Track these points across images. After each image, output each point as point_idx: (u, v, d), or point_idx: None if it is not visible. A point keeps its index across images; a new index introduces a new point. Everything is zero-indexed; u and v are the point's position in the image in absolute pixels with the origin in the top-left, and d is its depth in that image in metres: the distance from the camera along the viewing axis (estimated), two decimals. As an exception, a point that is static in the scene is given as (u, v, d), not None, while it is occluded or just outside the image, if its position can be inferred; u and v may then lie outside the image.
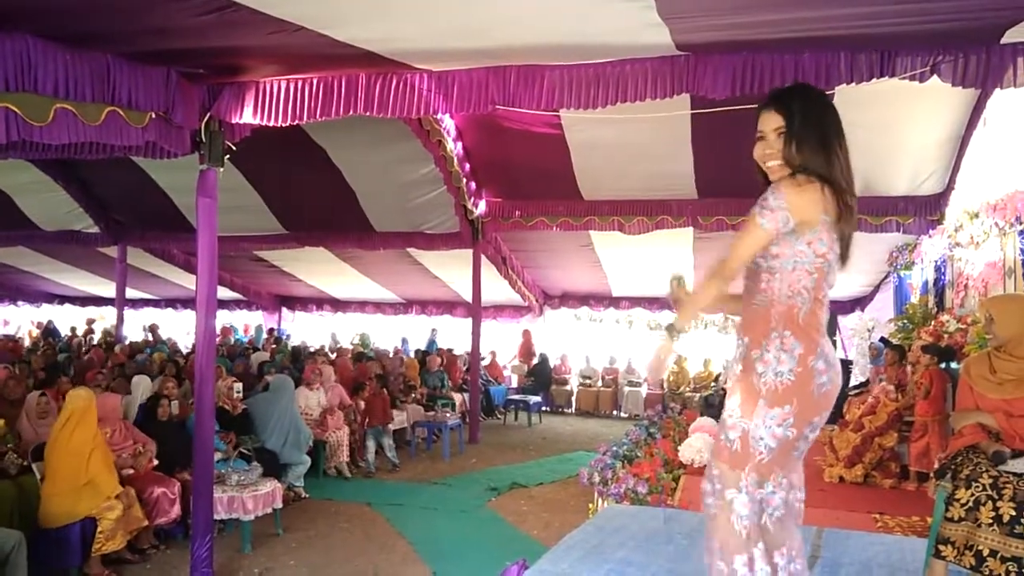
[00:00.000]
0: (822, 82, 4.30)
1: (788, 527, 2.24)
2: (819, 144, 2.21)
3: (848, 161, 2.27)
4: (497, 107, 4.80)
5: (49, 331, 15.61)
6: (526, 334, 15.37)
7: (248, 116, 5.09)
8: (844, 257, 2.32)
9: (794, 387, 2.18)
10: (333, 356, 11.75)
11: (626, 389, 14.33)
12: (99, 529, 4.93)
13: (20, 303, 17.98)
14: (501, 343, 15.60)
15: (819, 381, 2.19)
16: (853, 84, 4.31)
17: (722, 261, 2.26)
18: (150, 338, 13.85)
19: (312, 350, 12.24)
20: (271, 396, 7.47)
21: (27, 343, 14.07)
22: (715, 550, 2.23)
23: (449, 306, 15.67)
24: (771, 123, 2.26)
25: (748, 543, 2.17)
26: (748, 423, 2.20)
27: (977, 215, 7.03)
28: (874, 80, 4.27)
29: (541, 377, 14.69)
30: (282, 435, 7.19)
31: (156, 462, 5.86)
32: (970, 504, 2.85)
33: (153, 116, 4.67)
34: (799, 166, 2.21)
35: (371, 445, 8.68)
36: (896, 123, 7.29)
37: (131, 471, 5.57)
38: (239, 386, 7.46)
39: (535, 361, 15.01)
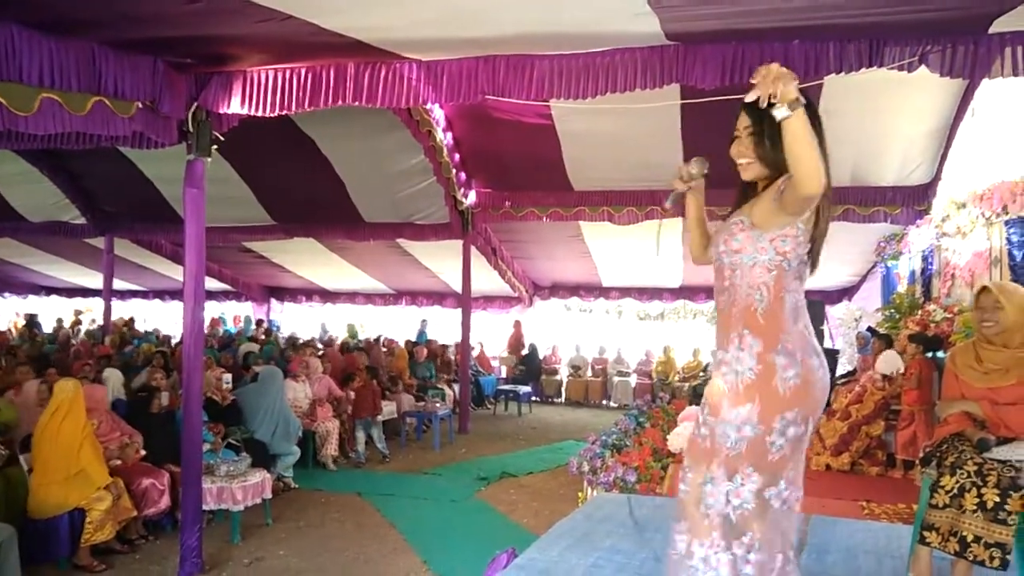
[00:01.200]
0: (811, 72, 4.31)
1: (762, 521, 2.21)
2: None
3: (825, 161, 2.25)
4: (487, 97, 4.79)
5: (31, 323, 15.49)
6: (516, 325, 15.40)
7: (236, 106, 5.06)
8: (815, 257, 2.29)
9: (755, 385, 2.17)
10: (322, 348, 11.71)
11: (615, 379, 14.38)
12: (88, 520, 4.93)
13: (6, 295, 17.85)
14: (491, 334, 15.63)
15: (783, 375, 2.16)
16: (842, 74, 4.33)
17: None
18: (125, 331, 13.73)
19: (300, 342, 12.20)
20: (260, 387, 7.46)
21: (13, 335, 13.95)
22: (679, 534, 2.27)
23: (439, 297, 15.67)
24: (743, 122, 2.27)
25: (708, 530, 2.20)
26: (714, 421, 2.21)
27: (964, 205, 7.07)
28: (863, 70, 4.29)
29: (531, 367, 14.73)
30: (271, 425, 7.19)
31: (144, 453, 5.85)
32: (955, 491, 2.87)
33: (140, 106, 4.64)
34: (772, 163, 2.21)
35: (360, 436, 8.68)
36: (884, 113, 7.33)
37: (118, 462, 5.56)
38: (228, 377, 7.44)
39: (524, 352, 15.04)
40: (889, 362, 6.38)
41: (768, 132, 2.18)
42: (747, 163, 2.27)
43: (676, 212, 2.73)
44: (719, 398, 2.23)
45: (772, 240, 2.21)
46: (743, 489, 2.19)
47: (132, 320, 14.75)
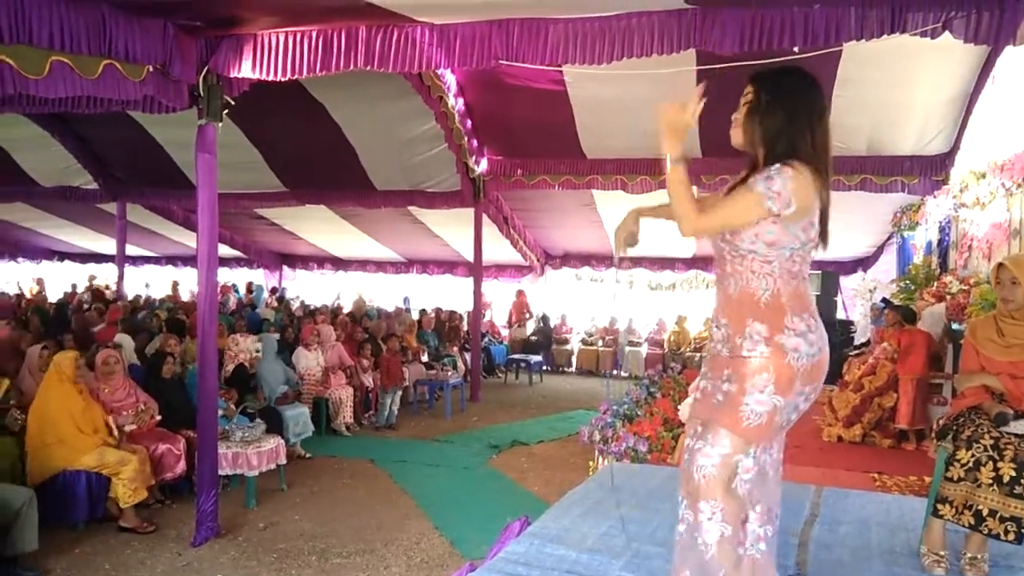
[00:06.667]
0: (831, 38, 4.22)
1: (762, 490, 2.29)
2: (786, 121, 2.21)
3: (825, 145, 2.23)
4: (500, 62, 4.73)
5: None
6: (520, 295, 15.38)
7: (247, 70, 5.01)
8: (824, 237, 2.29)
9: (766, 360, 2.20)
10: (333, 314, 11.76)
11: (627, 349, 14.38)
12: (119, 483, 5.07)
13: (20, 259, 17.94)
14: (503, 302, 15.65)
15: (793, 354, 2.19)
16: (862, 41, 4.23)
17: (707, 210, 2.23)
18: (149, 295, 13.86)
19: (312, 308, 12.25)
20: (264, 356, 7.63)
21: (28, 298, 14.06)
22: (686, 497, 2.29)
23: (450, 266, 15.67)
24: (747, 89, 2.31)
25: (714, 492, 2.21)
26: (741, 397, 2.22)
27: (984, 175, 6.97)
28: (884, 36, 4.19)
29: (543, 336, 14.76)
30: (275, 389, 7.32)
31: (159, 418, 5.90)
32: (970, 464, 2.86)
33: (150, 69, 4.60)
34: (751, 139, 2.27)
35: (388, 402, 8.81)
36: (903, 81, 7.20)
37: (134, 427, 5.62)
38: (259, 345, 7.50)
39: (529, 320, 15.05)
40: (936, 319, 6.37)
41: (762, 108, 2.25)
42: (734, 128, 2.33)
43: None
44: (742, 376, 2.22)
45: (756, 235, 2.21)
46: (748, 461, 2.25)
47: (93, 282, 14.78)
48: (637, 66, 4.85)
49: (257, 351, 7.42)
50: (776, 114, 2.23)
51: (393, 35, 4.78)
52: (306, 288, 17.10)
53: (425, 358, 11.02)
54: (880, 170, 8.64)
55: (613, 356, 14.43)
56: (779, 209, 2.14)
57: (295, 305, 13.87)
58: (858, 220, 10.58)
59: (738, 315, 2.26)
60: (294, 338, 9.01)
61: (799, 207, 2.15)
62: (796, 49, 4.33)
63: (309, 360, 8.35)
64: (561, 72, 7.72)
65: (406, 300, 15.33)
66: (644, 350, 14.21)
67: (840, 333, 9.40)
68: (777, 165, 2.16)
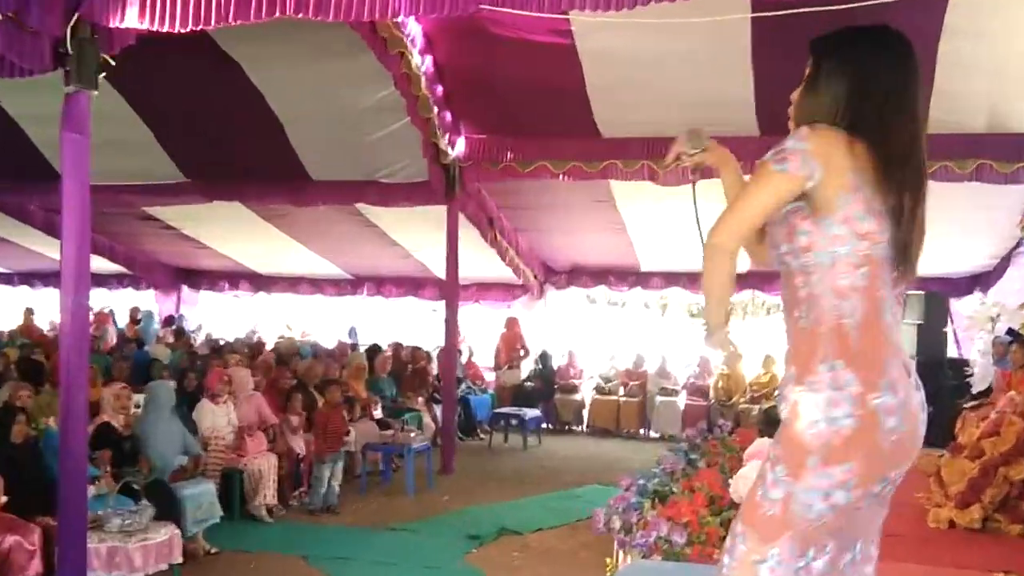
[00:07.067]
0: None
1: None
2: (849, 95, 2.30)
3: (914, 133, 2.32)
4: (482, 7, 4.77)
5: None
6: (512, 324, 15.36)
7: (132, 19, 5.04)
8: (906, 249, 2.32)
9: (855, 438, 2.21)
10: (250, 353, 11.75)
11: (658, 399, 14.39)
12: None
13: None
14: (488, 335, 15.64)
15: (888, 426, 2.21)
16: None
17: (720, 227, 2.34)
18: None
19: (221, 345, 12.24)
20: (149, 411, 7.59)
21: None
22: None
23: (414, 284, 15.69)
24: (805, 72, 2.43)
25: None
26: (794, 484, 2.25)
27: None
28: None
29: (543, 382, 14.76)
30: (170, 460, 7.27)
31: (5, 499, 5.86)
32: None
33: (-1, 19, 4.62)
34: (801, 116, 2.38)
35: (325, 475, 8.76)
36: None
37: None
38: (139, 397, 7.46)
39: (524, 359, 15.03)
40: None
41: (820, 81, 2.35)
42: (792, 108, 2.45)
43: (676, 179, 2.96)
44: (803, 454, 2.25)
45: (847, 220, 2.25)
46: (816, 564, 2.27)
47: None
48: (671, 12, 4.90)
49: (138, 405, 7.37)
50: (837, 87, 2.31)
51: (334, -30, 4.83)
52: (214, 316, 17.07)
53: (379, 414, 11.00)
54: (1003, 154, 8.72)
55: (640, 409, 14.43)
56: (794, 171, 2.22)
57: (198, 340, 13.84)
58: (974, 221, 10.65)
59: (817, 354, 2.30)
60: (196, 386, 8.98)
61: (827, 175, 2.22)
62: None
63: (217, 417, 8.31)
64: (568, 19, 7.79)
65: (352, 333, 15.31)
66: (682, 401, 14.22)
67: (951, 378, 9.46)
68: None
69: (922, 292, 10.18)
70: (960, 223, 10.42)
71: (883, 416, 2.20)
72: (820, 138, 2.23)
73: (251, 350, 11.78)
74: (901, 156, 2.26)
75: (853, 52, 2.34)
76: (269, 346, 13.16)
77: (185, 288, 17.24)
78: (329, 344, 13.93)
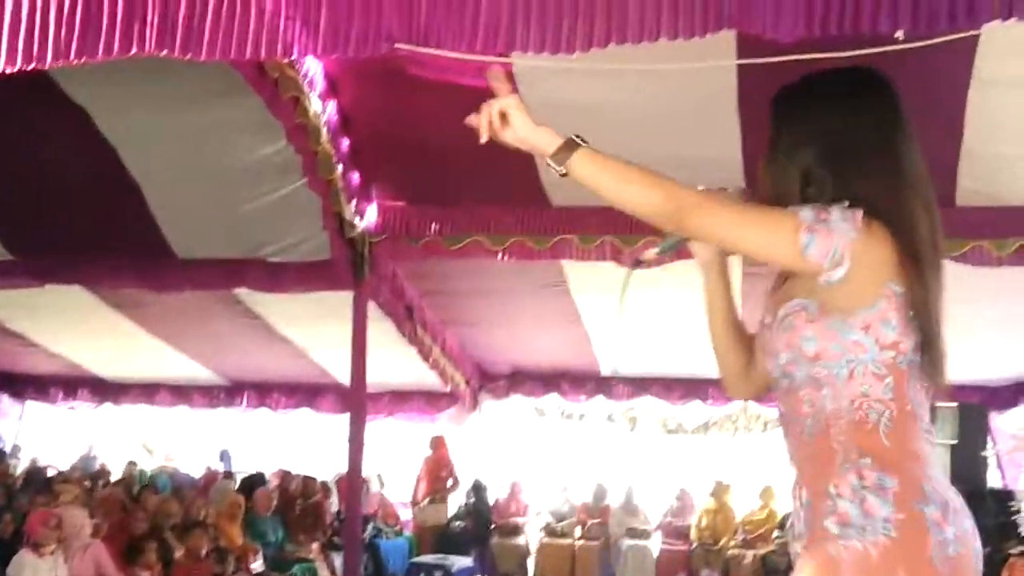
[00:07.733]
0: (960, 17, 4.48)
1: None
2: (818, 161, 2.40)
3: (926, 193, 2.40)
4: (398, 47, 4.89)
5: None
6: (437, 443, 15.28)
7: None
8: (932, 349, 2.35)
9: (898, 547, 2.19)
10: (89, 486, 11.60)
11: (624, 543, 14.37)
12: None
13: None
14: (402, 461, 15.57)
15: (939, 538, 2.18)
16: (1012, 21, 4.51)
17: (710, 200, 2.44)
18: None
19: (50, 475, 12.07)
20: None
21: None
22: None
23: (310, 393, 15.67)
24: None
25: None
26: None
27: None
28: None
29: (475, 521, 14.69)
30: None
31: None
32: None
33: None
34: (771, 194, 2.47)
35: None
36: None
37: None
38: None
39: (451, 491, 15.02)
40: None
41: (780, 149, 2.47)
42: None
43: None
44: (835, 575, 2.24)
45: (868, 328, 2.29)
46: None
47: None
48: (639, 57, 5.05)
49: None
50: (800, 153, 2.42)
51: (211, -3, 4.94)
52: (42, 436, 16.83)
53: (259, 567, 10.88)
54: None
55: (601, 556, 14.40)
56: (818, 259, 2.25)
57: (18, 468, 13.63)
58: (1016, 316, 10.84)
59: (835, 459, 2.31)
60: (12, 532, 8.83)
61: (853, 275, 2.24)
62: (899, 35, 4.60)
63: (39, 572, 8.16)
64: (510, 63, 7.93)
65: (225, 457, 15.18)
66: (656, 545, 14.22)
67: (994, 513, 9.55)
68: (846, 203, 2.29)
69: (955, 404, 10.28)
70: (998, 318, 10.62)
71: (933, 525, 2.17)
72: (873, 239, 2.25)
73: (91, 481, 11.61)
74: (932, 242, 2.32)
75: (820, 104, 2.45)
76: (116, 476, 12.98)
77: (5, 398, 17.00)
78: (195, 472, 13.78)
